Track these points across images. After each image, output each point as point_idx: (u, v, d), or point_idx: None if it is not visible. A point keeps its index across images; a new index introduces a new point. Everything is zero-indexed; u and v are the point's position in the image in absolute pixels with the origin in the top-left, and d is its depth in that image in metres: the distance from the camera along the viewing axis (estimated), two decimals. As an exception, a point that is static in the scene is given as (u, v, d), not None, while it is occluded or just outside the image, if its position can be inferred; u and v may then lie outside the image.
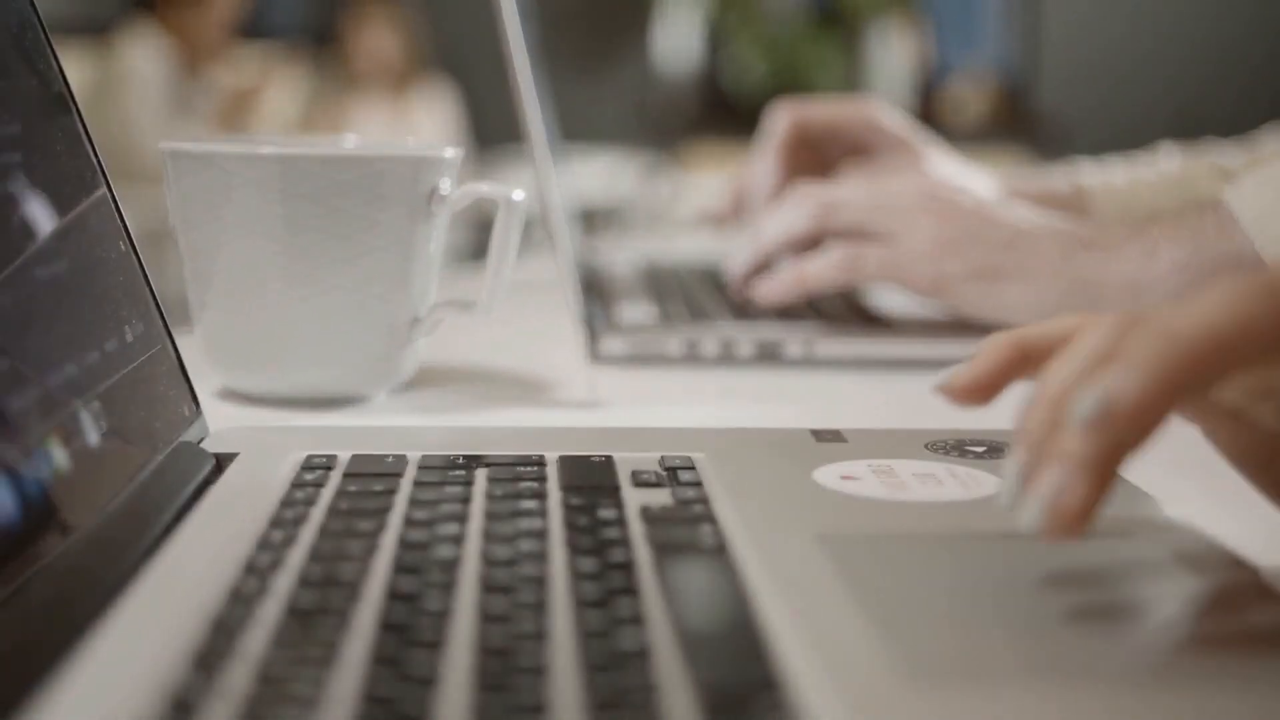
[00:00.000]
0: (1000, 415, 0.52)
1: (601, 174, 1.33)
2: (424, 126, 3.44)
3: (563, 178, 0.92)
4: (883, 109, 0.92)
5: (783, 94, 1.08)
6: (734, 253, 0.82)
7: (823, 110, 0.93)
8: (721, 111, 4.24)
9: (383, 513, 0.38)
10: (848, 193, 0.74)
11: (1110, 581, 0.33)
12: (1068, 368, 0.32)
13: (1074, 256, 0.68)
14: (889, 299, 0.85)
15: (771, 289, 0.75)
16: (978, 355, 0.36)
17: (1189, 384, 0.29)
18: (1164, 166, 0.88)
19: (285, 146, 0.57)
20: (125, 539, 0.35)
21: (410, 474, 0.42)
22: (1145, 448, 0.30)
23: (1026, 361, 0.36)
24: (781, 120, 0.93)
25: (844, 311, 0.80)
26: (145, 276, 0.44)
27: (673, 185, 1.47)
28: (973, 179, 0.86)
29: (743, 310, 0.78)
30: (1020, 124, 4.21)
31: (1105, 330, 0.32)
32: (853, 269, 0.72)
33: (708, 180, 1.52)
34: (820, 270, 0.73)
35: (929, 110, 4.16)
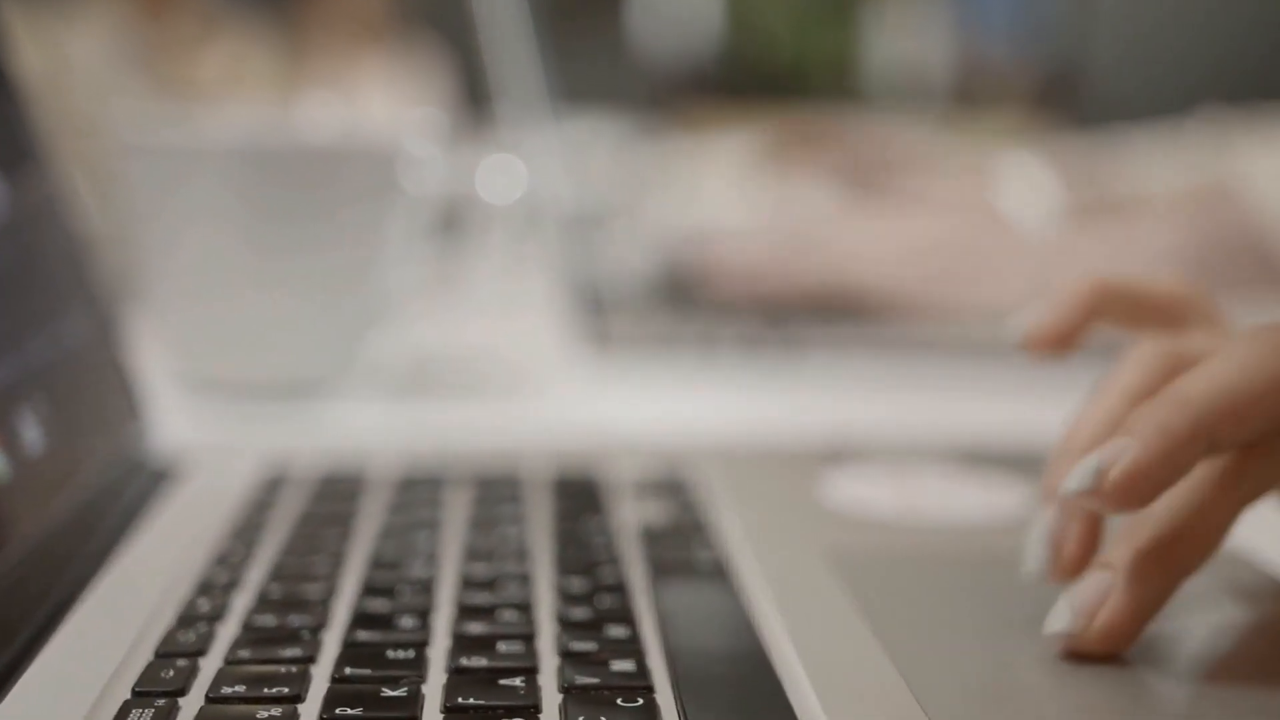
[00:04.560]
0: (1030, 425, 0.53)
1: (600, 138, 1.33)
2: (401, 87, 3.43)
3: (559, 146, 0.92)
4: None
5: (802, 60, 1.09)
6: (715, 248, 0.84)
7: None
8: (733, 73, 4.23)
9: (353, 525, 0.39)
10: (821, 201, 0.78)
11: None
12: (1095, 416, 0.33)
13: (1064, 258, 0.71)
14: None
15: (752, 292, 0.78)
16: (1056, 298, 0.36)
17: (1193, 454, 0.30)
18: (1206, 165, 0.89)
19: (246, 133, 0.58)
20: (70, 552, 0.36)
21: (383, 482, 0.43)
22: (1202, 556, 0.31)
23: (1109, 308, 0.36)
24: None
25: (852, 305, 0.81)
26: (94, 269, 0.45)
27: (688, 150, 1.47)
28: (1006, 195, 0.88)
29: (750, 304, 0.79)
30: (1065, 92, 4.20)
31: (1144, 367, 0.33)
32: (832, 286, 0.76)
33: (727, 142, 1.51)
34: (801, 282, 0.76)
35: (968, 80, 4.15)
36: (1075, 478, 0.30)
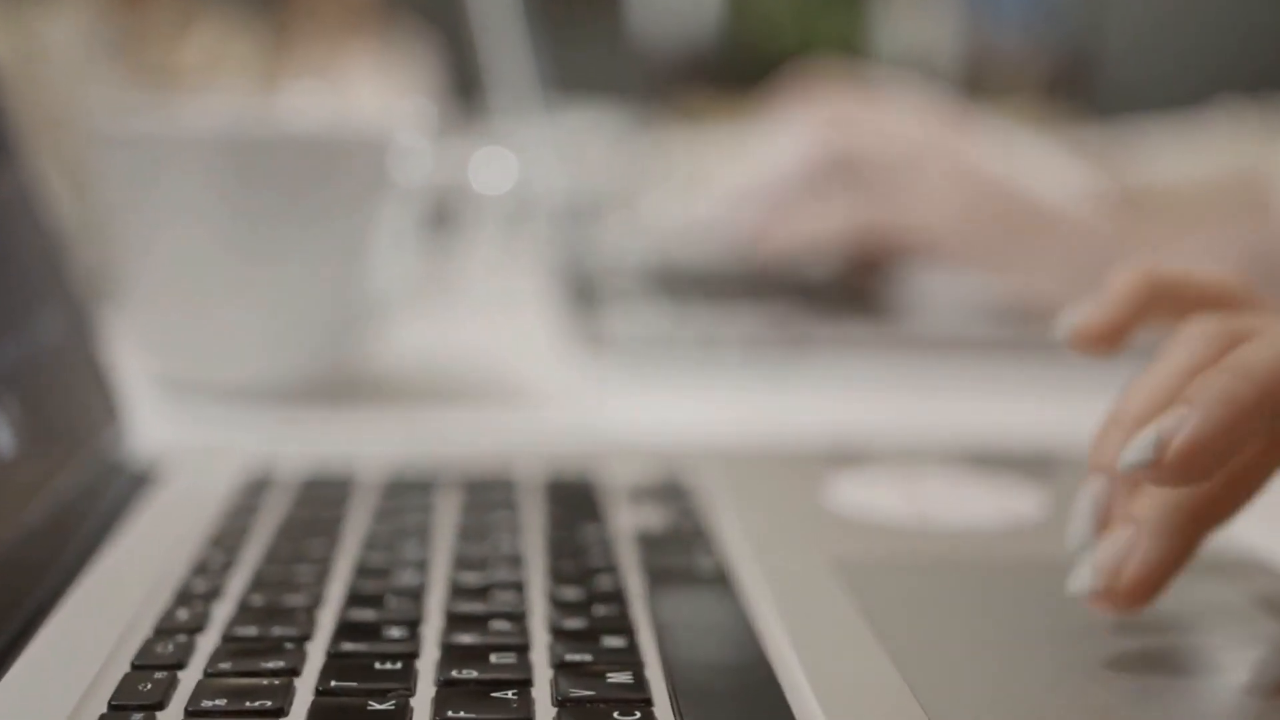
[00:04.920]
0: (1044, 427, 0.53)
1: (597, 129, 1.33)
2: (390, 77, 3.43)
3: (553, 137, 0.92)
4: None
5: (805, 48, 1.09)
6: (730, 194, 0.83)
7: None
8: (734, 62, 4.23)
9: (338, 532, 0.39)
10: (867, 129, 0.76)
11: (1173, 626, 0.33)
12: (1147, 389, 0.33)
13: (1096, 235, 0.70)
14: (917, 280, 0.86)
15: (775, 241, 0.77)
16: (1106, 294, 0.36)
17: (1254, 426, 0.29)
18: (1228, 160, 0.89)
19: (226, 121, 0.58)
20: (45, 559, 0.35)
21: (370, 488, 0.43)
22: (1233, 510, 0.31)
23: (1160, 303, 0.36)
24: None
25: (865, 298, 0.81)
26: (69, 266, 0.45)
27: (683, 144, 1.47)
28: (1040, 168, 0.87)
29: (753, 298, 0.79)
30: (1078, 81, 4.21)
31: (1199, 344, 0.33)
32: (869, 230, 0.74)
33: (722, 135, 1.52)
34: (833, 226, 0.75)
35: (978, 69, 4.14)
36: (1134, 449, 0.30)
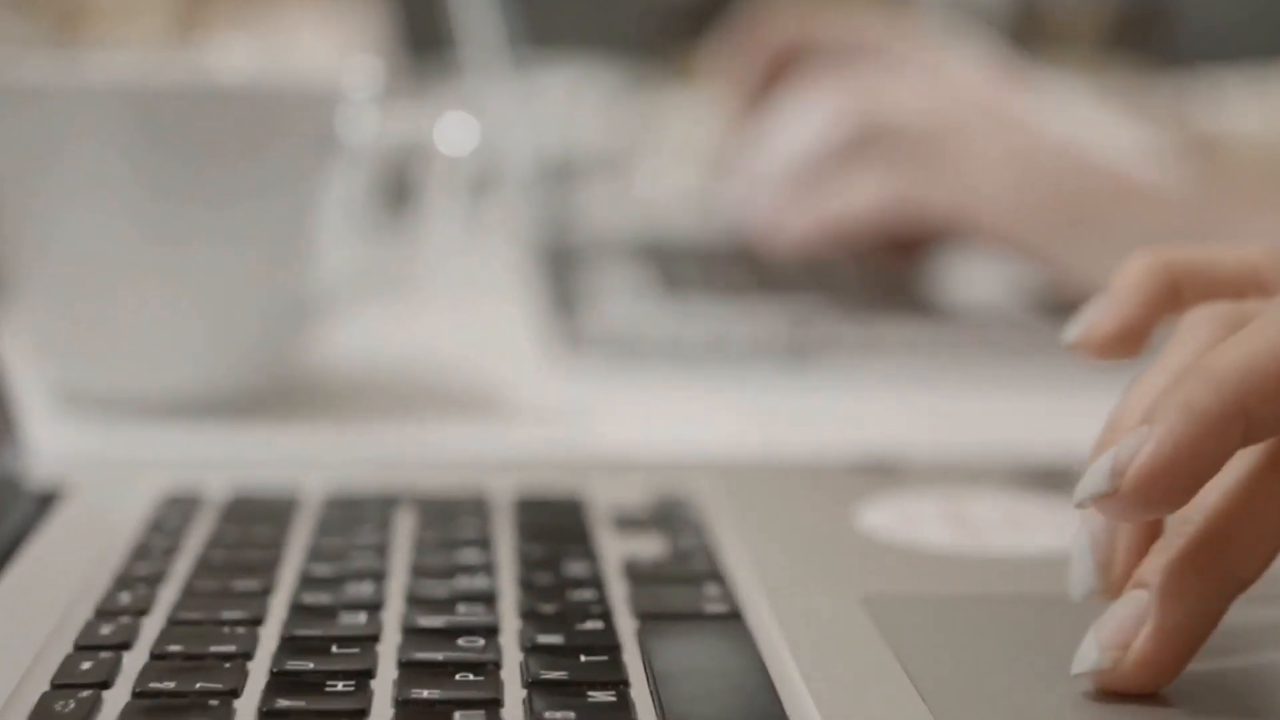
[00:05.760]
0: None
1: (584, 89, 1.33)
2: (336, 30, 3.43)
3: (527, 101, 0.92)
4: (919, 40, 0.90)
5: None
6: (743, 180, 0.83)
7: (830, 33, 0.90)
8: (741, 12, 4.24)
9: (272, 565, 0.38)
10: (896, 95, 0.76)
11: (1235, 653, 0.33)
12: (1146, 392, 0.33)
13: (1185, 214, 0.70)
14: (954, 273, 0.86)
15: (795, 228, 0.76)
16: (1116, 291, 0.36)
17: (1225, 443, 0.29)
18: None
19: (140, 72, 0.58)
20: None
21: (310, 513, 0.42)
22: (1264, 556, 0.30)
23: (1184, 293, 0.36)
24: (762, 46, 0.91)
25: (898, 292, 0.81)
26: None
27: (679, 106, 1.47)
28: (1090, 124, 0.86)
29: (767, 290, 0.78)
30: (1147, 27, 4.22)
31: (1204, 333, 0.33)
32: (905, 207, 0.73)
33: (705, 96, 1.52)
34: (862, 205, 0.74)
35: (1032, 15, 4.15)
36: (1088, 481, 0.29)
